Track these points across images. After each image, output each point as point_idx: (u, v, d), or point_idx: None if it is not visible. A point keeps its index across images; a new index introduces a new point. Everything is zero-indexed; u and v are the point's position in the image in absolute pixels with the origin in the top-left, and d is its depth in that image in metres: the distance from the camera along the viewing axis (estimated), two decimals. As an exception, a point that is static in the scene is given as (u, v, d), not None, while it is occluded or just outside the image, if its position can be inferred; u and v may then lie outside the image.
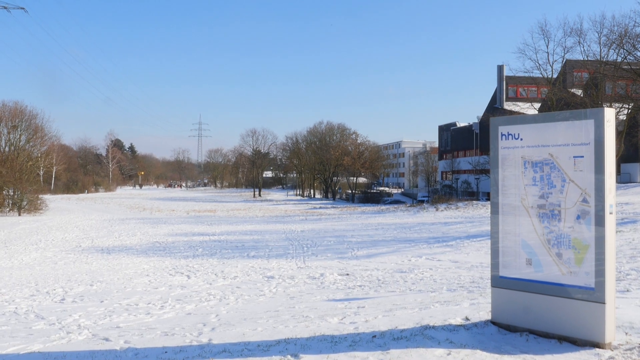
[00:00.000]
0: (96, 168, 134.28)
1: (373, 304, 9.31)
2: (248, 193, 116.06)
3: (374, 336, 6.23)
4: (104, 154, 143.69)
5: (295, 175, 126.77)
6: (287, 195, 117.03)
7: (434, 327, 6.46)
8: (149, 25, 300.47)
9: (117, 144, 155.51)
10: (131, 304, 11.50)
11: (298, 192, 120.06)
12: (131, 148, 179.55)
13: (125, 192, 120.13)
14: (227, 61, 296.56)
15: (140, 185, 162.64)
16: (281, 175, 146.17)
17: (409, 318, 7.13)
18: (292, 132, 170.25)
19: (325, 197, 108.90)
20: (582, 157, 5.75)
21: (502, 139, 6.44)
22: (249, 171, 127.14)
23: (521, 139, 6.28)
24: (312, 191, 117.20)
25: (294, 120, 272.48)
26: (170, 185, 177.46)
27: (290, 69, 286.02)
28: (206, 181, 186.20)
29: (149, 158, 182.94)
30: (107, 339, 7.34)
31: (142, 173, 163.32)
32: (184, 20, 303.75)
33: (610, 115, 5.71)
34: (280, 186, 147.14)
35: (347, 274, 14.93)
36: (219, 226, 37.67)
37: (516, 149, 6.31)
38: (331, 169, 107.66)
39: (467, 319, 6.86)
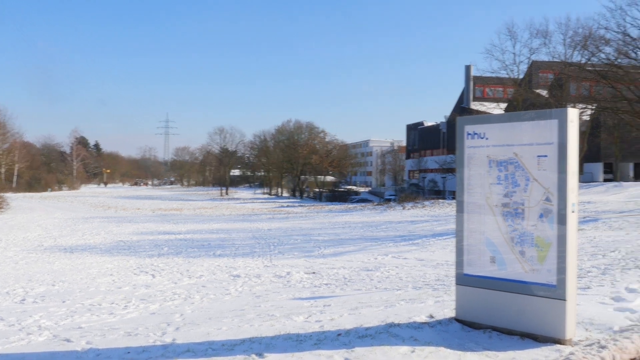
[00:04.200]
0: (60, 166, 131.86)
1: (339, 302, 9.32)
2: (215, 191, 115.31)
3: (339, 334, 6.22)
4: (68, 151, 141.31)
5: (263, 173, 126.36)
6: (255, 193, 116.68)
7: (399, 324, 6.48)
8: (115, 22, 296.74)
9: (81, 142, 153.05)
10: (94, 304, 11.33)
11: (266, 191, 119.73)
12: (96, 146, 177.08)
13: (90, 191, 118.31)
14: (195, 59, 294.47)
15: (105, 184, 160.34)
16: (249, 173, 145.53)
17: (374, 316, 7.14)
18: (261, 130, 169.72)
19: (293, 195, 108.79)
20: (546, 156, 5.82)
21: (468, 138, 6.49)
22: (217, 169, 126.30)
23: (487, 138, 6.33)
24: (279, 190, 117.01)
25: (263, 118, 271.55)
26: (136, 184, 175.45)
27: (259, 68, 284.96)
28: (173, 179, 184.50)
29: (115, 156, 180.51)
30: (68, 340, 7.21)
31: (108, 171, 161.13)
32: (151, 17, 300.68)
33: (573, 115, 5.79)
34: (248, 185, 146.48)
35: (314, 273, 14.92)
36: (185, 225, 37.36)
37: (482, 148, 6.36)
38: (299, 167, 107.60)
39: (431, 316, 6.90)
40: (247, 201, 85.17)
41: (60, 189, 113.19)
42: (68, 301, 11.79)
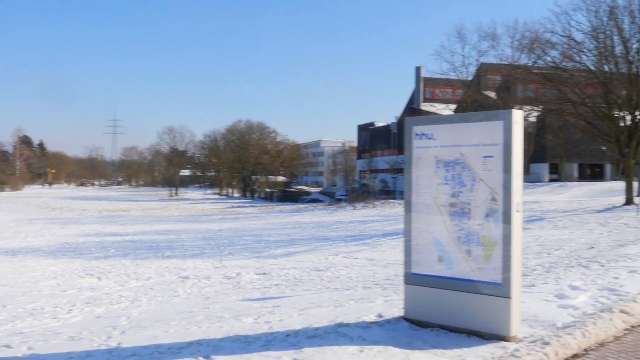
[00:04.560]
0: (2, 166, 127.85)
1: (289, 302, 9.29)
2: (164, 192, 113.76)
3: (288, 335, 6.20)
4: (10, 150, 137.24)
5: (213, 173, 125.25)
6: (205, 194, 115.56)
7: (347, 324, 6.50)
8: (63, 19, 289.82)
9: (25, 141, 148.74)
10: (37, 308, 11.03)
11: (216, 191, 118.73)
12: (41, 145, 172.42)
13: (34, 191, 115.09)
14: (144, 58, 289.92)
15: (50, 184, 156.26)
16: (199, 173, 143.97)
17: (323, 316, 7.14)
18: (211, 130, 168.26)
19: (244, 195, 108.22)
20: (492, 157, 5.91)
21: (416, 139, 6.55)
22: (166, 170, 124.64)
23: (434, 139, 6.39)
24: (230, 190, 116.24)
25: (214, 118, 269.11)
26: (82, 184, 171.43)
27: (209, 67, 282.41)
28: (121, 180, 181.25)
29: (60, 156, 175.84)
30: (8, 346, 6.98)
31: (53, 171, 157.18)
32: (101, 16, 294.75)
33: (518, 116, 5.89)
34: (198, 185, 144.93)
35: (264, 273, 14.86)
36: (132, 226, 36.75)
37: (429, 149, 6.42)
38: (250, 167, 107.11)
39: (380, 315, 6.94)
40: (197, 202, 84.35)
41: (2, 189, 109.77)
42: (9, 305, 11.44)
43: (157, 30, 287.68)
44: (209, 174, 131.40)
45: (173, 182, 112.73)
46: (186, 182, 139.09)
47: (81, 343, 6.82)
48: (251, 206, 68.66)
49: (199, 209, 61.12)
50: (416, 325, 6.39)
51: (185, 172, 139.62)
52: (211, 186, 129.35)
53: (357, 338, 5.91)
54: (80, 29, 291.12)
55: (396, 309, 7.21)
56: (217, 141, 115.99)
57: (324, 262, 16.44)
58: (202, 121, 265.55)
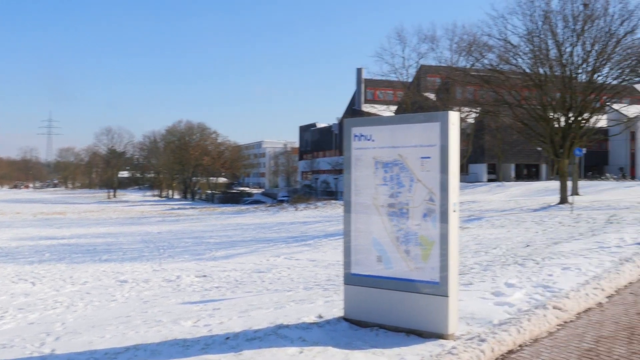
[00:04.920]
0: None
1: (229, 305, 9.20)
2: (102, 194, 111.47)
3: (228, 338, 6.14)
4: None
5: (153, 175, 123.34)
6: (145, 196, 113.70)
7: (288, 326, 6.48)
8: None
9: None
10: (-34, 315, 10.60)
11: (156, 193, 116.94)
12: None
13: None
14: (81, 58, 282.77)
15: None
16: (138, 175, 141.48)
17: (263, 318, 7.10)
18: (150, 131, 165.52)
19: (184, 197, 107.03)
20: (429, 157, 5.99)
21: (355, 140, 6.58)
22: (104, 171, 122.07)
23: (373, 140, 6.43)
24: (170, 192, 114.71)
25: (153, 119, 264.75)
26: (15, 186, 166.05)
27: (149, 67, 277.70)
28: (56, 182, 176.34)
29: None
30: None
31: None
32: (37, 15, 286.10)
33: (454, 118, 5.99)
34: (138, 187, 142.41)
35: (205, 276, 14.69)
36: (69, 229, 35.81)
37: (368, 150, 6.46)
38: (190, 168, 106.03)
39: (320, 316, 6.95)
40: (136, 204, 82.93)
41: None
42: (-64, 313, 10.97)
43: (98, 28, 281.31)
44: (149, 175, 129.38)
45: (111, 184, 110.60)
46: (125, 184, 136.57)
47: (13, 351, 6.59)
48: (192, 208, 67.90)
49: (138, 211, 60.07)
50: (356, 326, 6.42)
51: (124, 174, 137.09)
52: (151, 188, 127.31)
53: (297, 339, 5.90)
54: (10, 28, 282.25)
55: (337, 310, 7.23)
56: (156, 142, 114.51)
57: (266, 264, 16.37)
58: (141, 122, 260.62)
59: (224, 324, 7.00)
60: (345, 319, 6.62)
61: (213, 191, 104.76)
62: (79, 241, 27.18)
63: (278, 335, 6.06)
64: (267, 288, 11.92)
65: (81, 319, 9.52)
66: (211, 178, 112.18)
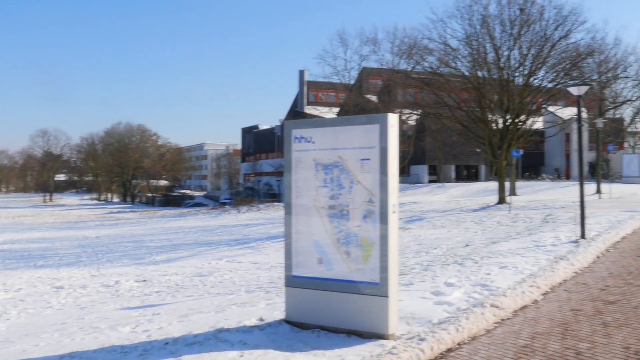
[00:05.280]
0: None
1: (169, 310, 9.06)
2: (38, 198, 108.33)
3: (167, 343, 6.03)
4: None
5: (91, 178, 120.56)
6: (83, 199, 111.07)
7: (228, 329, 6.41)
8: None
9: None
10: None
11: (94, 196, 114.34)
12: None
13: None
14: (14, 57, 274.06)
15: None
16: (76, 178, 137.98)
17: (204, 322, 7.01)
18: (89, 133, 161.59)
19: (124, 200, 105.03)
20: (369, 159, 6.03)
21: (295, 142, 6.57)
22: (39, 174, 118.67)
23: (313, 142, 6.44)
24: (109, 195, 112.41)
25: (91, 121, 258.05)
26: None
27: (87, 68, 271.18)
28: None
29: None
30: None
31: None
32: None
33: (393, 120, 6.04)
34: (75, 190, 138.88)
35: (144, 280, 14.43)
36: (2, 234, 34.66)
37: (309, 152, 6.46)
38: (130, 171, 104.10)
39: (261, 319, 6.91)
40: (73, 207, 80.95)
41: None
42: None
43: (35, 27, 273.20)
44: (87, 178, 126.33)
45: (47, 188, 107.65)
46: (62, 188, 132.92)
47: (-61, 362, 6.33)
48: (131, 211, 66.74)
49: (76, 215, 58.64)
50: (298, 328, 6.40)
51: (61, 177, 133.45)
52: (89, 191, 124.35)
53: (237, 343, 5.84)
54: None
55: (278, 312, 7.20)
56: (95, 144, 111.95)
57: (207, 267, 16.19)
58: (78, 124, 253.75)
59: (164, 329, 6.88)
60: (286, 321, 6.60)
61: (154, 194, 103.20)
62: (12, 247, 26.36)
63: (218, 339, 6.00)
64: (208, 292, 11.79)
65: (14, 327, 9.23)
66: (152, 181, 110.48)
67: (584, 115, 42.70)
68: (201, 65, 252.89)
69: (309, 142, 6.47)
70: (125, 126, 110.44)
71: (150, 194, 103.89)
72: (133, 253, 21.62)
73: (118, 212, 66.61)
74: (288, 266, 6.61)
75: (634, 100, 48.00)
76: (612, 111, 49.83)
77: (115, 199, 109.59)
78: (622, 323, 6.72)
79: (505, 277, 9.26)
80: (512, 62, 30.33)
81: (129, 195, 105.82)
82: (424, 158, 65.63)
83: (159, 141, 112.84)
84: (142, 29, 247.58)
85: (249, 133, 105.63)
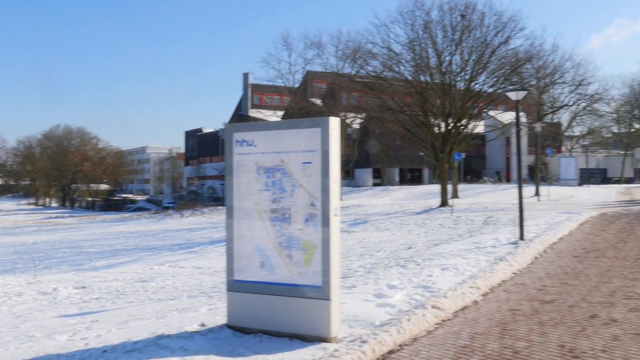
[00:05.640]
0: None
1: (108, 316, 8.86)
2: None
3: (105, 351, 5.89)
4: None
5: (28, 182, 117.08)
6: (19, 204, 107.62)
7: (169, 336, 6.31)
8: None
9: None
10: None
11: (32, 201, 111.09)
12: None
13: None
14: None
15: None
16: (12, 182, 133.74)
17: (144, 329, 6.88)
18: (25, 135, 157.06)
19: (63, 205, 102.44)
20: (311, 163, 6.05)
21: (237, 145, 6.53)
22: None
23: (255, 146, 6.42)
24: (47, 199, 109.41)
25: (28, 123, 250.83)
26: None
27: (23, 70, 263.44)
28: None
29: None
30: None
31: None
32: None
33: (335, 124, 6.07)
34: (11, 195, 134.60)
35: (84, 287, 14.06)
36: None
37: (250, 155, 6.44)
38: (69, 175, 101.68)
39: (203, 324, 6.83)
40: (9, 212, 78.51)
41: None
42: None
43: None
44: (24, 182, 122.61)
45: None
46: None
47: None
48: (71, 216, 65.13)
49: (12, 221, 56.88)
50: (240, 332, 6.36)
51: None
52: (26, 196, 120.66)
53: (178, 349, 5.76)
54: None
55: (220, 317, 7.13)
56: (32, 148, 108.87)
57: (149, 273, 15.91)
58: (14, 126, 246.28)
59: (102, 336, 6.72)
60: (229, 326, 6.54)
61: (94, 198, 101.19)
62: (-57, 254, 25.32)
63: (158, 345, 5.89)
64: (149, 298, 11.58)
65: (-57, 338, 8.84)
66: (92, 185, 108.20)
67: (523, 119, 43.86)
68: (144, 69, 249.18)
69: (250, 145, 6.45)
70: (65, 129, 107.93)
71: (90, 199, 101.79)
72: (72, 259, 21.07)
73: (57, 217, 64.87)
74: (230, 270, 6.56)
75: (570, 105, 49.79)
76: (550, 116, 51.52)
77: (54, 204, 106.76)
78: (558, 322, 6.91)
79: (447, 278, 9.41)
80: (454, 67, 30.99)
81: (68, 200, 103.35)
82: (368, 161, 66.20)
83: (99, 144, 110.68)
84: (84, 32, 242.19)
85: (193, 136, 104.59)
